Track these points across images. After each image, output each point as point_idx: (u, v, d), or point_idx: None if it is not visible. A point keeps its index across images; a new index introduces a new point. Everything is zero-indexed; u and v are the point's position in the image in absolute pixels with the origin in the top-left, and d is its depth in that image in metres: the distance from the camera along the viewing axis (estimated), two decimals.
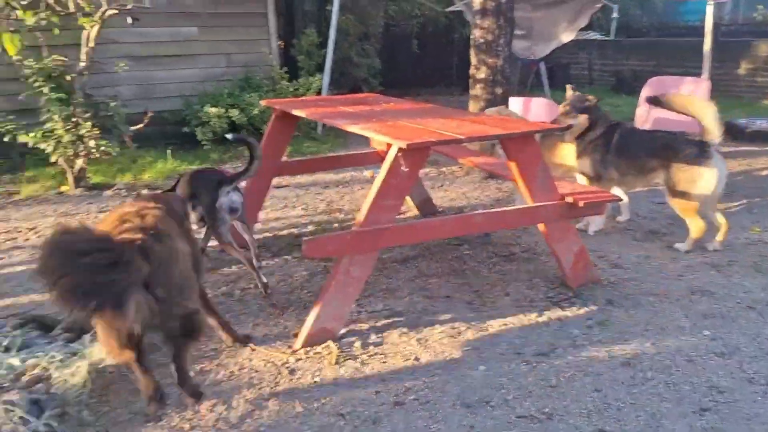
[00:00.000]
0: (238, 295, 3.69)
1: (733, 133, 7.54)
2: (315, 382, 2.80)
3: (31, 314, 3.22)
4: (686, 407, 2.60)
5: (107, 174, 6.53)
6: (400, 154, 2.92)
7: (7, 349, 2.73)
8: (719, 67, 10.22)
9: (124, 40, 7.46)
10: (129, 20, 6.03)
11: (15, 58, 5.01)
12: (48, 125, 5.85)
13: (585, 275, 3.70)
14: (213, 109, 7.43)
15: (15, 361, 2.63)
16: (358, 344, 3.10)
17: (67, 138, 5.75)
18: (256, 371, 2.88)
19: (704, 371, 2.86)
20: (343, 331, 3.19)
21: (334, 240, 3.02)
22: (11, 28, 4.23)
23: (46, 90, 5.77)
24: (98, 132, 5.83)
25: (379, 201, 2.97)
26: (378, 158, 4.90)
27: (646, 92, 6.76)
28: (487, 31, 6.58)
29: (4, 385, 2.50)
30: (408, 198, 5.20)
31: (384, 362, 2.96)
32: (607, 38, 14.02)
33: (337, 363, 2.93)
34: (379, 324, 3.32)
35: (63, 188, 6.09)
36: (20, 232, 4.88)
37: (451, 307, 3.51)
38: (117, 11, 5.84)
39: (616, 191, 4.63)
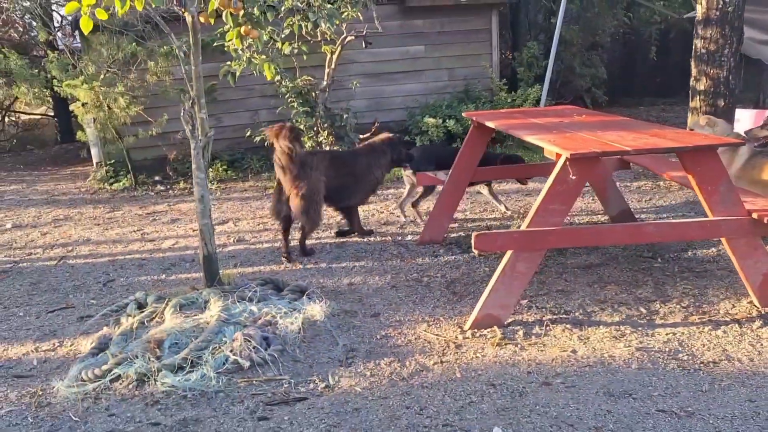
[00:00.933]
0: (425, 281, 4.28)
1: None
2: (476, 357, 3.24)
3: (269, 277, 4.23)
4: None
5: None
6: (567, 163, 3.22)
7: (250, 299, 3.69)
8: None
9: (360, 60, 8.59)
10: (363, 45, 7.05)
11: (276, 78, 6.28)
12: None
13: None
14: (431, 120, 8.20)
15: (254, 308, 3.57)
16: (521, 333, 3.47)
17: (309, 144, 6.95)
18: (428, 342, 3.42)
19: None
20: (509, 320, 3.58)
21: (502, 236, 3.42)
22: (271, 57, 5.39)
23: (296, 105, 7.07)
24: (333, 140, 6.94)
25: (546, 205, 3.30)
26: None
27: None
28: (710, 41, 6.35)
29: (246, 323, 3.41)
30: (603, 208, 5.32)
31: (542, 350, 3.28)
32: None
33: (498, 345, 3.34)
34: (545, 318, 3.63)
35: None
36: (269, 218, 6.09)
37: (621, 313, 3.66)
38: (354, 37, 6.88)
39: None
